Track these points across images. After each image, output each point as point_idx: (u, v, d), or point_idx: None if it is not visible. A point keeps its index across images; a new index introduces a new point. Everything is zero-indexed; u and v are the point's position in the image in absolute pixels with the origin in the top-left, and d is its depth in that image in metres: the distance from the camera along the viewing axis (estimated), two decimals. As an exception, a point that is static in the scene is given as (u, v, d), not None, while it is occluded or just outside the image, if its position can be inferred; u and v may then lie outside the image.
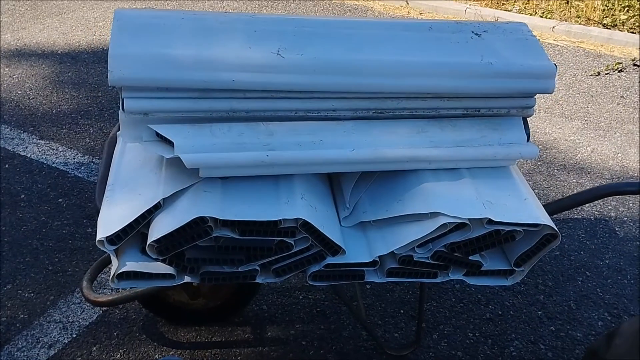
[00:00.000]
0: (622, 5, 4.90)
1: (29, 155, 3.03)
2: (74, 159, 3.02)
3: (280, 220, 1.38)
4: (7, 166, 2.95)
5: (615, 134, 3.39)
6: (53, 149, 3.09)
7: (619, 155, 3.20)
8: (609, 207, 2.80)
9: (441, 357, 2.07)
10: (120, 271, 1.42)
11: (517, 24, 1.67)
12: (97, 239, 1.37)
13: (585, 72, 4.08)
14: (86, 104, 3.53)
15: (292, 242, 1.43)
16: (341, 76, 1.44)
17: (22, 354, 2.02)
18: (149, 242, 1.37)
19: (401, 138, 1.49)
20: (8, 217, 2.62)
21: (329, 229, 1.44)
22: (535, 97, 1.59)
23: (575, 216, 2.74)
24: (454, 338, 2.14)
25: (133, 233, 1.40)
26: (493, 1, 5.16)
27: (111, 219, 1.39)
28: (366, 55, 1.47)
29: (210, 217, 1.35)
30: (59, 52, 4.15)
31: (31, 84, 3.71)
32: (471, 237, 1.45)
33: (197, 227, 1.36)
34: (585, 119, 3.53)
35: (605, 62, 4.21)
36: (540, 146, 3.25)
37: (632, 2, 4.91)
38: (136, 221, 1.38)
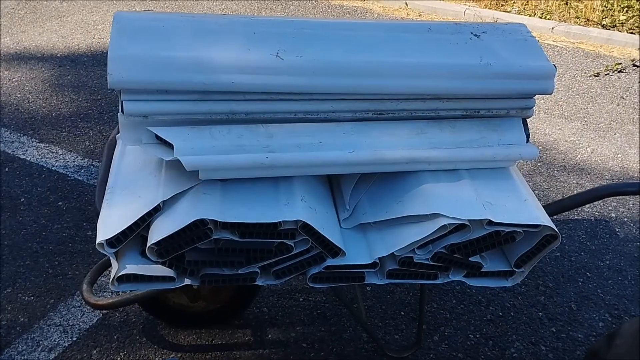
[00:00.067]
0: (622, 5, 4.91)
1: (28, 159, 3.03)
2: (73, 162, 3.02)
3: (280, 222, 1.38)
4: (6, 169, 2.95)
5: (615, 134, 3.39)
6: (53, 152, 3.09)
7: (619, 155, 3.20)
8: (609, 208, 2.80)
9: (442, 359, 2.07)
10: (120, 274, 1.42)
11: (516, 25, 1.67)
12: (97, 241, 1.37)
13: (585, 72, 4.08)
14: (86, 107, 3.53)
15: (292, 244, 1.43)
16: (340, 78, 1.44)
17: (22, 358, 2.02)
18: (148, 244, 1.37)
19: (401, 139, 1.49)
20: (8, 220, 2.62)
21: (329, 230, 1.44)
22: (535, 98, 1.59)
23: (576, 217, 2.74)
24: (454, 339, 2.14)
25: (133, 236, 1.40)
26: (492, 2, 5.17)
27: (111, 221, 1.39)
28: (365, 57, 1.47)
29: (210, 220, 1.35)
30: (58, 55, 4.15)
31: (31, 87, 3.71)
32: (471, 238, 1.45)
33: (197, 229, 1.35)
34: (585, 119, 3.53)
35: (604, 62, 4.21)
36: (540, 147, 3.25)
37: (632, 3, 4.92)
38: (136, 224, 1.38)
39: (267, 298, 2.27)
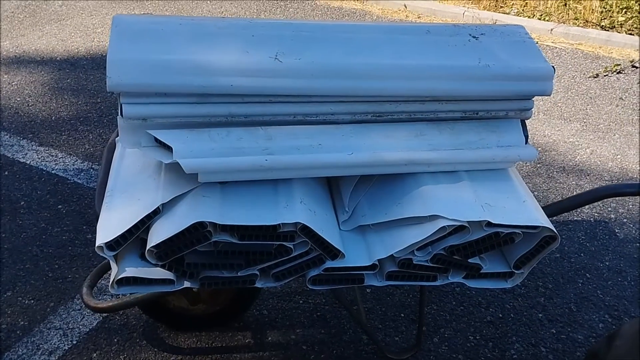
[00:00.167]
0: (620, 7, 4.91)
1: (28, 162, 3.03)
2: (73, 165, 3.02)
3: (279, 224, 1.38)
4: (6, 173, 2.95)
5: (614, 135, 3.39)
6: (52, 156, 3.09)
7: (618, 156, 3.20)
8: (609, 209, 2.80)
9: (442, 361, 2.07)
10: (119, 277, 1.42)
11: (514, 27, 1.68)
12: (97, 244, 1.37)
13: (584, 74, 4.09)
14: (85, 110, 3.53)
15: (292, 246, 1.43)
16: (339, 80, 1.45)
17: (22, 361, 2.02)
18: (148, 247, 1.37)
19: (400, 141, 1.49)
20: (8, 224, 2.62)
21: (328, 232, 1.44)
22: (534, 99, 1.60)
23: (575, 218, 2.74)
24: (454, 341, 2.14)
25: (132, 239, 1.40)
26: (491, 4, 5.17)
27: (110, 224, 1.40)
28: (364, 59, 1.48)
29: (209, 222, 1.35)
30: (58, 58, 4.16)
31: (30, 91, 3.72)
32: (470, 239, 1.45)
33: (197, 232, 1.36)
34: (584, 120, 3.53)
35: (603, 63, 4.21)
36: (539, 148, 3.26)
37: (630, 4, 4.92)
38: (135, 227, 1.38)
39: (267, 300, 2.27)
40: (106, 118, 3.45)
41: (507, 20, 4.90)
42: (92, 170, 2.98)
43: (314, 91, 1.45)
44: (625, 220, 2.74)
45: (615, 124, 3.50)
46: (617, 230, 2.68)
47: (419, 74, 1.48)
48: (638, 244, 2.61)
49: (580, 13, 4.87)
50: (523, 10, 5.09)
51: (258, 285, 1.51)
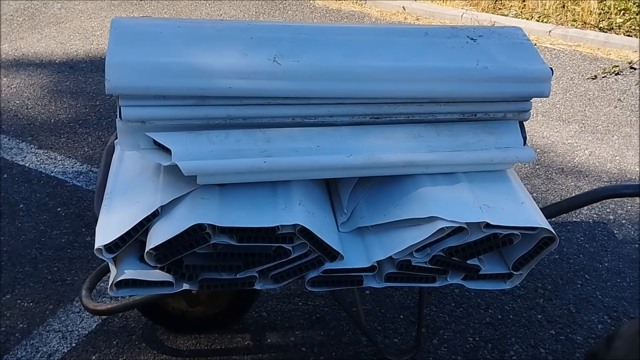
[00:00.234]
0: (618, 8, 4.92)
1: (27, 165, 3.03)
2: (72, 168, 3.02)
3: (278, 226, 1.38)
4: (5, 176, 2.95)
5: (612, 136, 3.39)
6: (51, 158, 3.09)
7: (617, 158, 3.20)
8: (608, 210, 2.81)
9: (441, 362, 2.07)
10: (118, 279, 1.42)
11: (512, 28, 1.68)
12: (95, 247, 1.37)
13: (582, 75, 4.09)
14: (84, 112, 3.54)
15: (290, 248, 1.44)
16: (337, 82, 1.45)
17: (21, 364, 2.02)
18: (147, 249, 1.37)
19: (398, 143, 1.50)
20: (7, 226, 2.62)
21: (327, 234, 1.44)
22: (532, 100, 1.60)
23: (574, 219, 2.74)
24: (454, 343, 2.14)
25: (131, 241, 1.40)
26: (489, 6, 5.18)
27: (109, 227, 1.40)
28: (362, 61, 1.48)
29: (208, 224, 1.35)
30: (57, 61, 4.16)
31: (29, 94, 3.72)
32: (469, 241, 1.46)
33: (195, 234, 1.36)
34: (583, 122, 3.54)
35: (602, 65, 4.22)
36: (538, 150, 3.26)
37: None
38: (134, 229, 1.38)
39: (266, 302, 2.27)
40: (105, 121, 3.45)
41: (505, 22, 4.90)
42: (91, 172, 2.98)
43: (313, 93, 1.45)
44: (624, 221, 2.74)
45: (614, 126, 3.50)
46: (615, 232, 2.68)
47: (417, 76, 1.49)
48: (637, 245, 2.61)
49: (579, 15, 4.88)
50: (521, 12, 5.10)
51: (257, 287, 1.51)
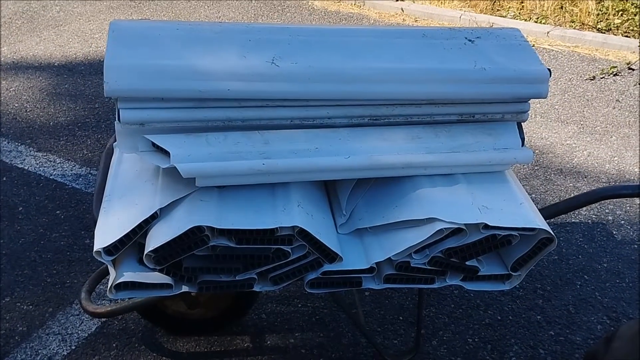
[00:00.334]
0: (617, 9, 4.93)
1: (26, 168, 3.04)
2: (71, 170, 3.02)
3: (277, 228, 1.38)
4: (4, 179, 2.95)
5: (611, 137, 3.40)
6: (51, 161, 3.09)
7: (616, 158, 3.21)
8: (607, 211, 2.81)
9: (441, 363, 2.07)
10: (118, 282, 1.43)
11: (509, 30, 1.68)
12: (95, 249, 1.37)
13: (581, 76, 4.10)
14: (83, 115, 3.54)
15: (289, 250, 1.44)
16: (336, 84, 1.45)
17: (21, 367, 2.02)
18: (146, 252, 1.37)
19: (396, 144, 1.50)
20: (6, 229, 2.62)
21: (326, 236, 1.44)
22: (530, 101, 1.60)
23: (573, 220, 2.75)
24: (453, 344, 2.14)
25: (130, 243, 1.41)
26: (488, 7, 5.19)
27: (108, 229, 1.40)
28: (360, 63, 1.48)
29: (207, 226, 1.35)
30: (55, 64, 4.16)
31: (28, 97, 3.72)
32: (467, 242, 1.46)
33: (194, 236, 1.36)
34: (581, 123, 3.54)
35: (600, 66, 4.23)
36: (536, 151, 3.26)
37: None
38: (133, 231, 1.38)
39: (266, 304, 2.27)
40: (104, 123, 3.46)
41: (503, 23, 4.91)
42: (90, 175, 2.99)
43: (311, 95, 1.45)
44: (622, 222, 2.75)
45: (612, 126, 3.50)
46: (614, 232, 2.68)
47: (416, 78, 1.49)
48: (636, 246, 2.61)
49: (577, 16, 4.89)
50: (519, 13, 5.11)
51: (256, 289, 1.52)
